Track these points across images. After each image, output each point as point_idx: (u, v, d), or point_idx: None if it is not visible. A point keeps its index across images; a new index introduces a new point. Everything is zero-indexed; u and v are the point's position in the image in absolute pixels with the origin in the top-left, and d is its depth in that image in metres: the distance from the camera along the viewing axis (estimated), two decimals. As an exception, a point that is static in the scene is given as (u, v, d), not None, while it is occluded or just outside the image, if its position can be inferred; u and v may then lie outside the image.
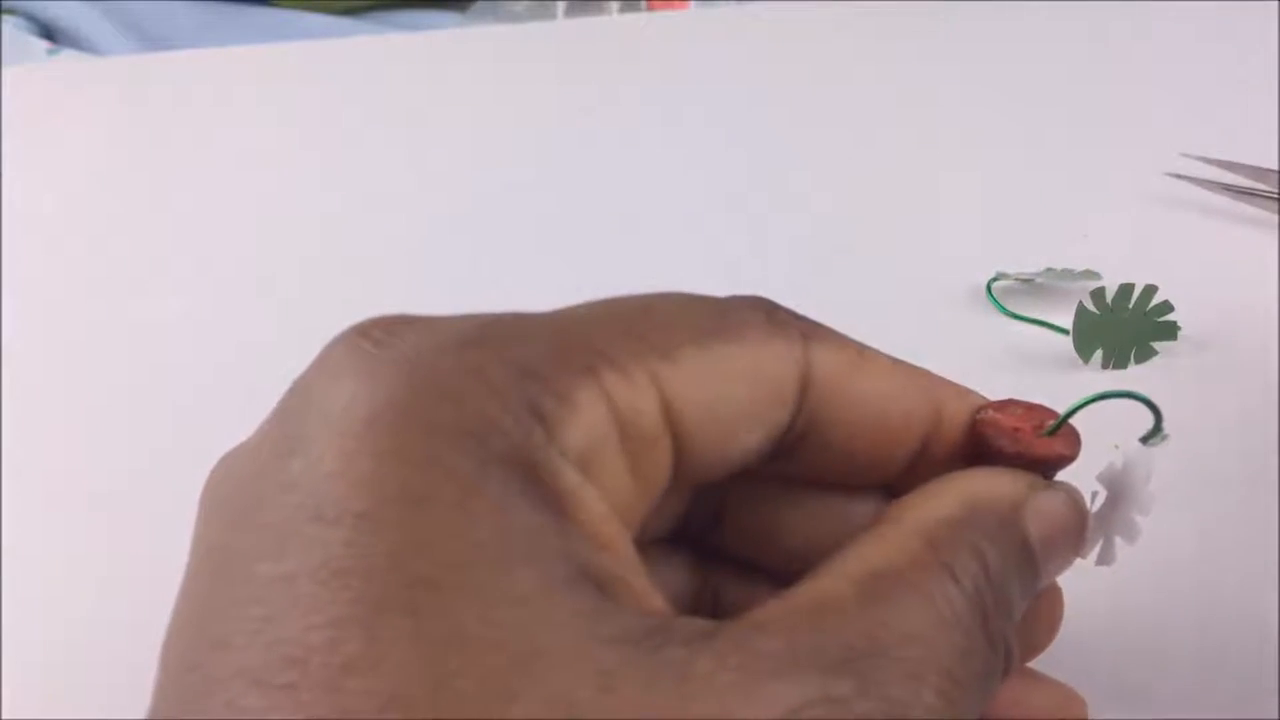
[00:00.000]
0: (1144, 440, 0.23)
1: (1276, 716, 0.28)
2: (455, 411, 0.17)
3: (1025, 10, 0.64)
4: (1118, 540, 0.23)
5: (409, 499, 0.16)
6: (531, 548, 0.16)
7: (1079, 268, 0.42)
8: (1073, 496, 0.22)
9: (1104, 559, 0.23)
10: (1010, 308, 0.42)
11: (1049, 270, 0.43)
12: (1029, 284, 0.43)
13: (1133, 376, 0.38)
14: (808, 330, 0.21)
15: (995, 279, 0.43)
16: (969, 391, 0.23)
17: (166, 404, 0.40)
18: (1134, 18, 0.62)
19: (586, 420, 0.18)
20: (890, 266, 0.45)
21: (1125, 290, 0.38)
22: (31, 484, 0.36)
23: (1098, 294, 0.38)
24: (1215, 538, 0.32)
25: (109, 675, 0.30)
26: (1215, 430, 0.36)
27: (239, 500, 0.17)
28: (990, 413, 0.22)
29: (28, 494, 0.36)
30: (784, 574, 0.22)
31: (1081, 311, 0.38)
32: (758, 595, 0.22)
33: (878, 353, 0.22)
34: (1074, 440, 0.22)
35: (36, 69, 0.66)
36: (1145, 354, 0.39)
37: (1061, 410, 0.22)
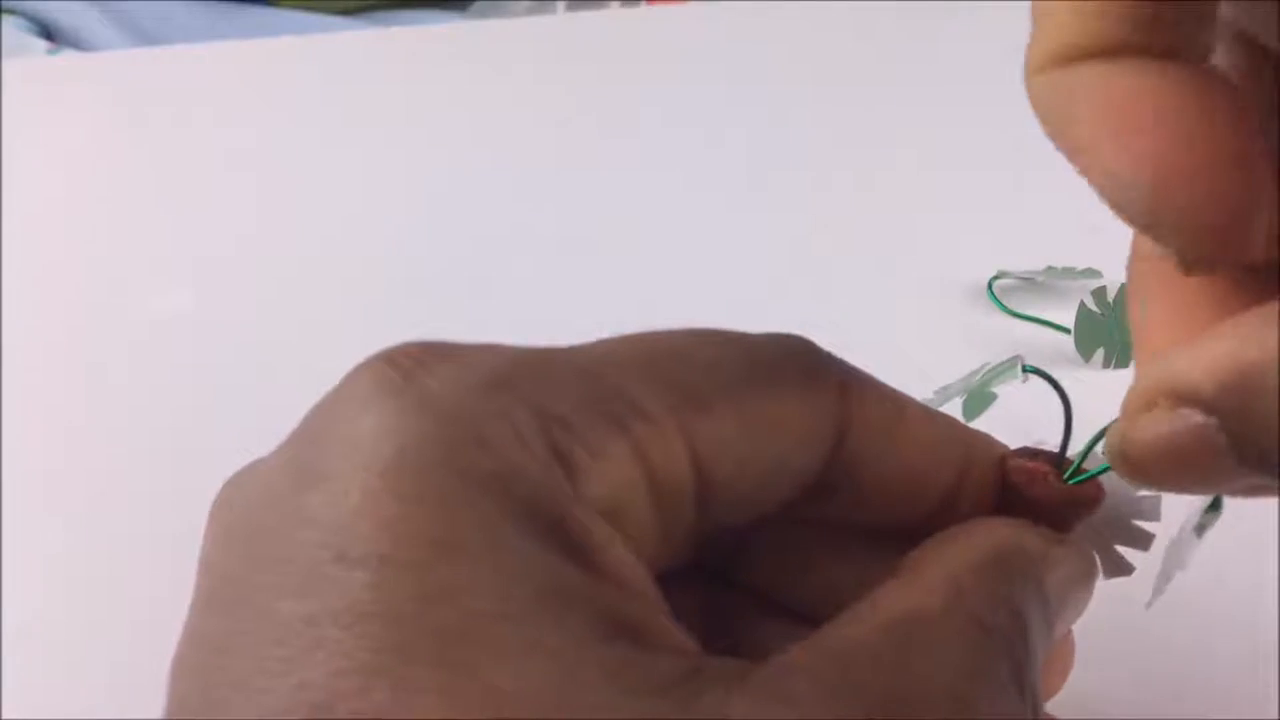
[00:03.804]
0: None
1: (1276, 717, 0.28)
2: (483, 457, 0.17)
3: (1026, 9, 0.64)
4: (1124, 550, 0.23)
5: (435, 544, 0.16)
6: (560, 599, 0.16)
7: (1080, 266, 0.42)
8: (1085, 552, 0.22)
9: (1113, 571, 0.23)
10: (1011, 306, 0.42)
11: (1050, 269, 0.42)
12: (1030, 282, 0.43)
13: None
14: (847, 381, 0.21)
15: (996, 277, 0.43)
16: (994, 440, 0.23)
17: (166, 402, 0.39)
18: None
19: (615, 471, 0.18)
20: (891, 265, 0.45)
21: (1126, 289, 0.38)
22: (31, 484, 0.36)
23: (1099, 293, 0.38)
24: (1215, 538, 0.32)
25: (109, 675, 0.30)
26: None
27: (254, 529, 0.17)
28: (1020, 460, 0.22)
29: (28, 494, 0.36)
30: (800, 606, 0.22)
31: (1083, 310, 0.38)
32: (773, 627, 0.22)
33: (914, 403, 0.22)
34: (1101, 485, 0.22)
35: (36, 66, 0.66)
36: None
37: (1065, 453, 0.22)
